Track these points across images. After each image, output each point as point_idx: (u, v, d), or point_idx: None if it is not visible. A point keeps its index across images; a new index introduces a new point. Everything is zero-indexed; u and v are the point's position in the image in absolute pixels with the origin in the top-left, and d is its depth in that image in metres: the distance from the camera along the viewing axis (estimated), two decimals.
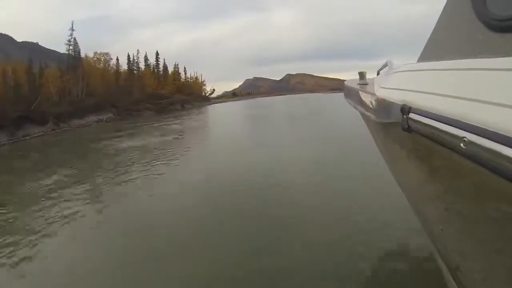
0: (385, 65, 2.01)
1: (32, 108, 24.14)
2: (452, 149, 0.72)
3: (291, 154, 8.39)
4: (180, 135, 15.02)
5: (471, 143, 0.65)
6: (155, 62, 51.46)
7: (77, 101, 30.57)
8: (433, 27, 1.45)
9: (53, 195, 6.27)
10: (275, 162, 7.47)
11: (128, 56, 46.23)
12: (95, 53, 40.31)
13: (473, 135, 0.64)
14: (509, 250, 0.69)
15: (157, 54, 52.21)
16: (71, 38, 35.43)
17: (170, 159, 9.06)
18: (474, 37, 0.98)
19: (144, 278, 3.06)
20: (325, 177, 5.93)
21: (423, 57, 1.44)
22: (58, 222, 4.75)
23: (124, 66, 45.18)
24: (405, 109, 1.01)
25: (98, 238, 4.19)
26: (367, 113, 1.68)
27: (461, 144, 0.67)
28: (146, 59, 49.62)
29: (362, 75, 2.41)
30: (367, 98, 1.68)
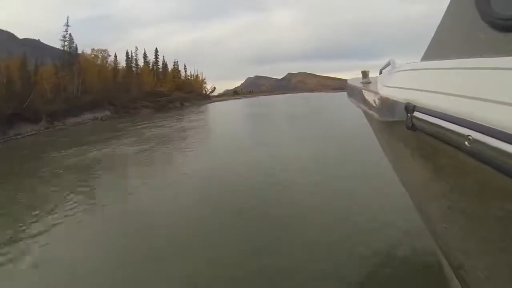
0: (388, 64, 2.01)
1: (25, 105, 23.26)
2: (457, 147, 0.73)
3: (291, 153, 8.38)
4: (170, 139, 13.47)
5: (475, 141, 0.65)
6: (154, 60, 50.99)
7: (72, 98, 29.74)
8: (434, 26, 1.45)
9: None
10: (276, 161, 7.46)
11: (127, 52, 45.42)
12: (93, 49, 39.54)
13: (478, 133, 0.65)
14: None
15: (156, 51, 51.58)
16: (66, 34, 34.37)
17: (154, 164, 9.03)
18: (478, 36, 0.98)
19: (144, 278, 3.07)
20: (325, 177, 5.93)
21: (427, 56, 1.44)
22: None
23: (123, 64, 44.57)
24: (410, 108, 1.01)
25: (97, 238, 4.16)
26: (371, 112, 1.68)
27: (466, 143, 0.68)
28: (145, 56, 48.97)
29: (365, 74, 2.41)
30: (370, 97, 1.69)
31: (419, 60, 1.55)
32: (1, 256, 3.78)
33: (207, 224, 4.21)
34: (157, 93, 42.15)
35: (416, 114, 0.97)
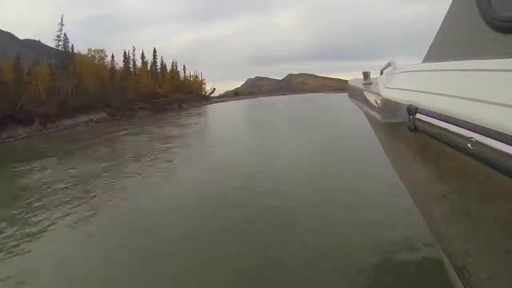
0: (388, 65, 2.01)
1: (17, 106, 22.12)
2: (460, 149, 0.73)
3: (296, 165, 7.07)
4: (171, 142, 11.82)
5: (478, 143, 0.65)
6: (152, 60, 49.39)
7: (67, 99, 28.36)
8: (435, 27, 1.45)
9: None
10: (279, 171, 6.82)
11: (124, 53, 43.23)
12: (89, 49, 37.67)
13: (480, 135, 0.65)
14: None
15: (154, 51, 50.03)
16: (61, 34, 32.49)
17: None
18: (480, 38, 0.98)
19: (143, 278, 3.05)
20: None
21: (429, 58, 1.44)
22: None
23: (120, 64, 42.50)
24: (412, 110, 1.01)
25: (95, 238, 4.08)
26: (372, 113, 1.69)
27: (469, 145, 0.68)
28: (142, 56, 46.98)
29: (366, 75, 2.41)
30: (372, 98, 1.69)
31: (420, 61, 1.56)
32: None
33: (207, 224, 4.16)
34: (155, 94, 40.50)
35: (418, 116, 0.97)
